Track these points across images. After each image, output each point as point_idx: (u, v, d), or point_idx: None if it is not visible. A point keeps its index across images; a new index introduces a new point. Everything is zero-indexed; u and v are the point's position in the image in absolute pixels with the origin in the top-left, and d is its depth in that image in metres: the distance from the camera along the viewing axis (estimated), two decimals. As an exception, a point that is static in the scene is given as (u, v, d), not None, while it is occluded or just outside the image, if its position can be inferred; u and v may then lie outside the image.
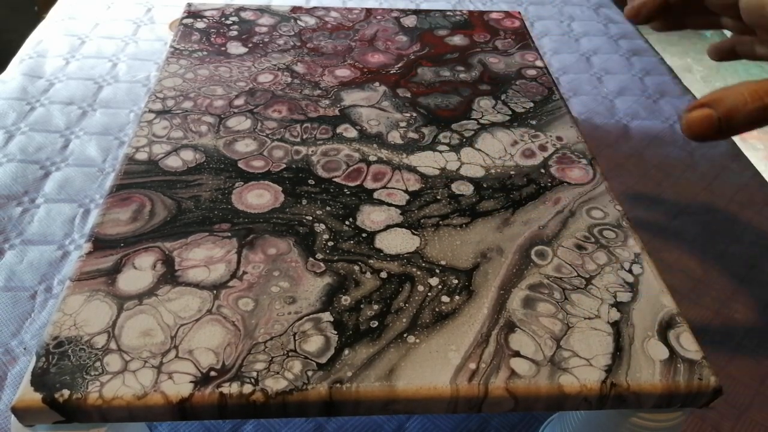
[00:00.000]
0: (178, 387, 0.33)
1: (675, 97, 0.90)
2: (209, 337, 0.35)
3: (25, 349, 0.54)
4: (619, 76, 0.94)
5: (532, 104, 0.56)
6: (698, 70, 2.05)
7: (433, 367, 0.35)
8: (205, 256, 0.40)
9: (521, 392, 0.34)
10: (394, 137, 0.51)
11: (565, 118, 0.54)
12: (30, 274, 0.59)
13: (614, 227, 0.44)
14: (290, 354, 0.35)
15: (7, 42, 1.28)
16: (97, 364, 0.34)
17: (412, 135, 0.51)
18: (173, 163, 0.47)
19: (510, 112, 0.55)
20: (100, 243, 0.40)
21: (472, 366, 0.35)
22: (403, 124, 0.52)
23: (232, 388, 0.33)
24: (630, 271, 0.41)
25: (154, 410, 0.33)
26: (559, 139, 0.52)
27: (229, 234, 0.42)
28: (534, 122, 0.54)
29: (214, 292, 0.38)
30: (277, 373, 0.34)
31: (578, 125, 0.54)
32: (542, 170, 0.49)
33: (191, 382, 0.33)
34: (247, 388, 0.33)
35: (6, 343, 0.54)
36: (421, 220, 0.44)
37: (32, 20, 1.08)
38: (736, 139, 0.87)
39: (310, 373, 0.34)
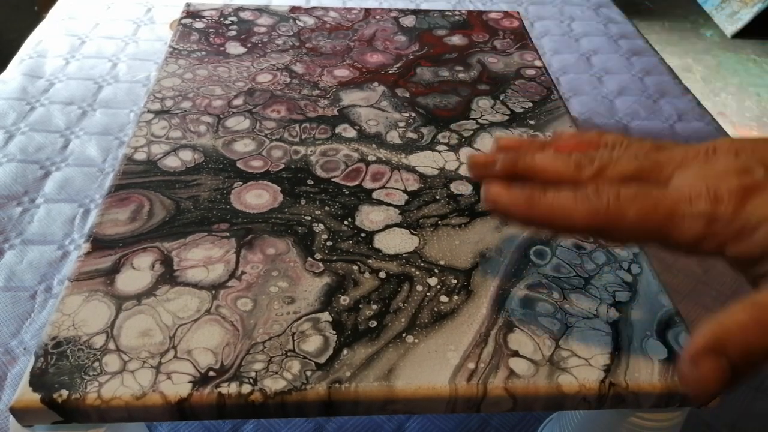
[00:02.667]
0: (177, 387, 0.33)
1: (675, 97, 0.90)
2: (208, 337, 0.35)
3: (24, 349, 0.54)
4: (619, 76, 0.94)
5: (530, 104, 0.56)
6: (698, 69, 2.05)
7: (431, 366, 0.35)
8: (203, 256, 0.40)
9: (520, 392, 0.34)
10: (393, 137, 0.51)
11: (564, 118, 0.54)
12: (30, 274, 0.59)
13: None
14: (289, 354, 0.35)
15: (7, 42, 1.28)
16: (96, 364, 0.34)
17: (410, 135, 0.51)
18: (172, 163, 0.47)
19: (509, 112, 0.55)
20: (98, 243, 0.40)
21: (471, 366, 0.35)
22: (401, 124, 0.52)
23: (230, 388, 0.33)
24: (629, 270, 0.41)
25: (153, 410, 0.33)
26: None
27: (228, 234, 0.42)
28: (533, 122, 0.54)
29: (213, 292, 0.38)
30: (276, 373, 0.34)
31: (577, 125, 0.54)
32: None
33: (190, 382, 0.33)
34: (246, 388, 0.33)
35: (6, 343, 0.54)
36: (420, 220, 0.44)
37: (32, 20, 1.08)
38: (735, 137, 0.87)
39: (308, 373, 0.34)
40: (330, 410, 0.34)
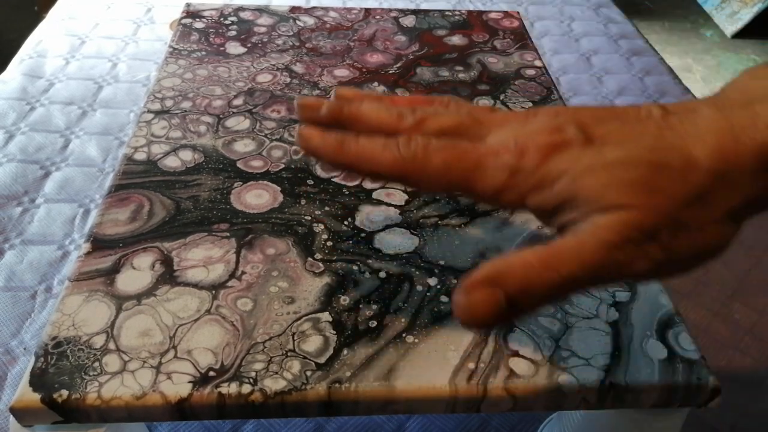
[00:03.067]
0: (177, 387, 0.33)
1: (675, 97, 0.90)
2: (208, 337, 0.35)
3: (25, 349, 0.54)
4: (619, 76, 0.94)
5: (530, 104, 0.56)
6: (698, 69, 2.05)
7: (431, 367, 0.35)
8: (203, 256, 0.40)
9: (520, 392, 0.34)
10: None
11: None
12: (30, 274, 0.59)
13: None
14: (289, 354, 0.35)
15: (7, 42, 1.28)
16: (96, 364, 0.34)
17: None
18: (172, 163, 0.47)
19: None
20: (98, 243, 0.40)
21: (471, 366, 0.35)
22: None
23: (230, 388, 0.33)
24: None
25: (153, 410, 0.33)
26: None
27: (228, 234, 0.42)
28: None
29: (213, 292, 0.38)
30: (276, 373, 0.34)
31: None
32: None
33: (190, 382, 0.33)
34: (246, 388, 0.33)
35: (6, 343, 0.54)
36: (420, 220, 0.44)
37: (32, 20, 1.08)
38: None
39: (308, 373, 0.34)
40: (330, 410, 0.34)
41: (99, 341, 0.35)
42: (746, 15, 2.25)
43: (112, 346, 0.35)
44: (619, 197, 0.28)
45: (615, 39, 1.04)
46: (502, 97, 0.57)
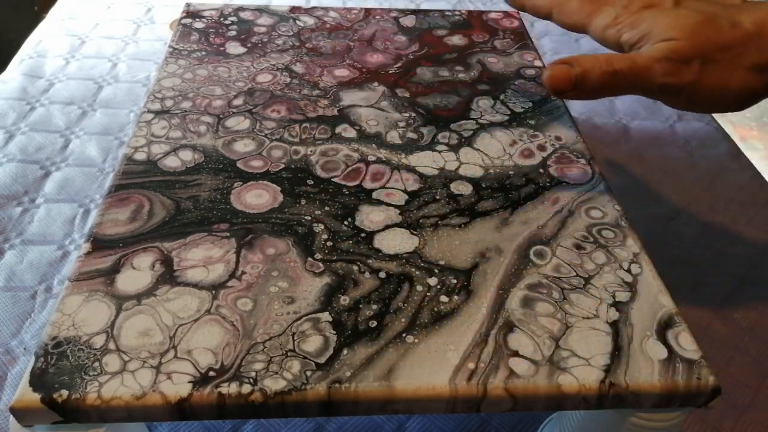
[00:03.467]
0: (177, 387, 0.33)
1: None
2: (208, 337, 0.35)
3: (25, 349, 0.54)
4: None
5: (530, 104, 0.56)
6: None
7: (431, 367, 0.35)
8: (203, 256, 0.40)
9: (520, 392, 0.34)
10: (393, 137, 0.51)
11: (564, 118, 0.54)
12: (30, 274, 0.59)
13: (613, 227, 0.44)
14: (289, 354, 0.35)
15: (7, 42, 1.28)
16: (96, 364, 0.34)
17: (410, 135, 0.51)
18: (172, 163, 0.47)
19: (509, 112, 0.55)
20: (98, 243, 0.40)
21: (471, 366, 0.35)
22: (402, 124, 0.52)
23: (230, 388, 0.33)
24: (629, 270, 0.41)
25: (153, 410, 0.33)
26: (558, 138, 0.52)
27: (228, 234, 0.42)
28: (533, 122, 0.54)
29: (213, 292, 0.38)
30: (276, 373, 0.34)
31: (577, 125, 0.54)
32: (541, 170, 0.49)
33: (190, 382, 0.33)
34: (246, 388, 0.33)
35: (6, 343, 0.54)
36: (420, 220, 0.44)
37: (32, 20, 1.08)
38: (736, 138, 0.87)
39: (308, 373, 0.34)
40: (330, 410, 0.34)
41: (99, 341, 0.35)
42: None
43: (112, 346, 0.35)
44: (673, 33, 0.42)
45: (615, 39, 1.03)
46: (502, 97, 0.57)
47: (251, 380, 0.33)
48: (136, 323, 0.36)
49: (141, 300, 0.37)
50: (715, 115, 0.88)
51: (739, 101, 0.42)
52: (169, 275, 0.39)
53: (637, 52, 0.44)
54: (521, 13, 0.65)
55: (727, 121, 1.79)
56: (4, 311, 0.56)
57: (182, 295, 0.38)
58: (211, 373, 0.34)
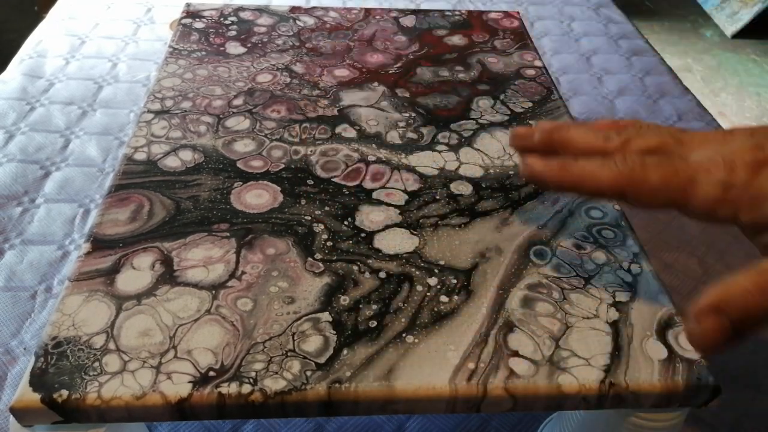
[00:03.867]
0: (177, 387, 0.33)
1: (675, 97, 0.90)
2: (208, 337, 0.35)
3: (25, 349, 0.54)
4: (619, 76, 0.94)
5: (530, 104, 0.56)
6: (698, 70, 2.04)
7: (431, 367, 0.35)
8: (203, 256, 0.40)
9: (520, 392, 0.34)
10: (393, 137, 0.51)
11: (564, 118, 0.54)
12: (30, 274, 0.59)
13: (613, 227, 0.44)
14: (289, 354, 0.35)
15: (7, 42, 1.28)
16: (96, 364, 0.34)
17: (410, 135, 0.51)
18: (172, 163, 0.47)
19: (509, 112, 0.55)
20: (98, 243, 0.40)
21: (471, 366, 0.35)
22: (402, 124, 0.52)
23: (230, 388, 0.33)
24: (629, 270, 0.41)
25: (153, 410, 0.33)
26: None
27: (228, 234, 0.42)
28: (533, 122, 0.54)
29: (213, 292, 0.38)
30: (276, 373, 0.34)
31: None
32: None
33: (190, 382, 0.33)
34: (246, 388, 0.33)
35: (6, 343, 0.54)
36: (420, 220, 0.44)
37: (32, 20, 1.08)
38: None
39: (308, 373, 0.34)
40: (330, 410, 0.34)
41: (99, 341, 0.35)
42: (746, 15, 2.25)
43: (112, 346, 0.35)
44: None
45: (615, 39, 1.04)
46: (502, 97, 0.57)
47: (251, 380, 0.33)
48: (136, 323, 0.36)
49: (141, 300, 0.37)
50: (716, 116, 0.88)
51: None
52: (169, 275, 0.39)
53: None
54: (521, 12, 0.65)
55: (727, 121, 1.79)
56: (4, 311, 0.56)
57: (182, 295, 0.38)
58: (211, 373, 0.34)
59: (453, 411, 0.35)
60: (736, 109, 1.83)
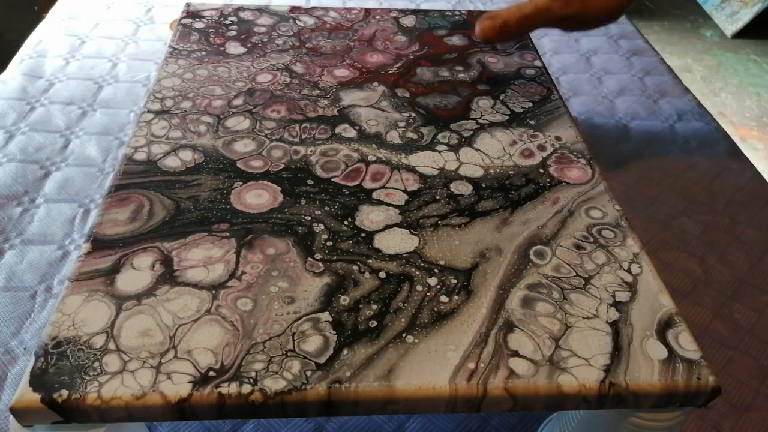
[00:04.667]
0: (177, 387, 0.33)
1: (675, 97, 0.90)
2: (208, 337, 0.35)
3: (25, 349, 0.54)
4: (619, 76, 0.94)
5: (530, 104, 0.56)
6: (698, 69, 2.04)
7: (432, 367, 0.35)
8: (203, 256, 0.40)
9: (520, 392, 0.34)
10: (393, 137, 0.51)
11: (564, 118, 0.54)
12: (30, 274, 0.59)
13: (613, 227, 0.44)
14: (289, 354, 0.35)
15: (7, 42, 1.28)
16: (96, 364, 0.34)
17: (410, 135, 0.51)
18: (172, 163, 0.47)
19: (509, 112, 0.55)
20: (98, 243, 0.40)
21: (471, 366, 0.35)
22: (402, 124, 0.52)
23: (230, 388, 0.33)
24: (629, 270, 0.41)
25: (153, 410, 0.33)
26: (558, 138, 0.52)
27: (228, 234, 0.42)
28: (533, 122, 0.54)
29: (213, 292, 0.38)
30: (276, 373, 0.34)
31: (577, 125, 0.54)
32: (541, 170, 0.49)
33: (190, 382, 0.33)
34: (246, 388, 0.33)
35: (6, 343, 0.54)
36: (420, 220, 0.44)
37: (32, 20, 1.08)
38: (735, 138, 0.87)
39: (309, 373, 0.34)
40: (330, 410, 0.34)
41: (99, 341, 0.35)
42: (746, 15, 2.24)
43: (112, 346, 0.35)
44: None
45: (615, 39, 1.04)
46: (501, 97, 0.57)
47: (251, 380, 0.33)
48: (136, 323, 0.36)
49: (141, 300, 0.37)
50: (715, 116, 0.88)
51: (611, 15, 0.59)
52: (169, 275, 0.39)
53: None
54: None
55: (727, 121, 1.79)
56: (4, 311, 0.56)
57: (182, 295, 0.38)
58: (211, 373, 0.34)
59: (453, 411, 0.35)
60: (736, 109, 1.83)
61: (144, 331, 0.35)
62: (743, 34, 2.26)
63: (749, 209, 0.72)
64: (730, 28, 2.29)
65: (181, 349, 0.35)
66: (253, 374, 0.34)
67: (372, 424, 0.50)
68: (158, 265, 0.39)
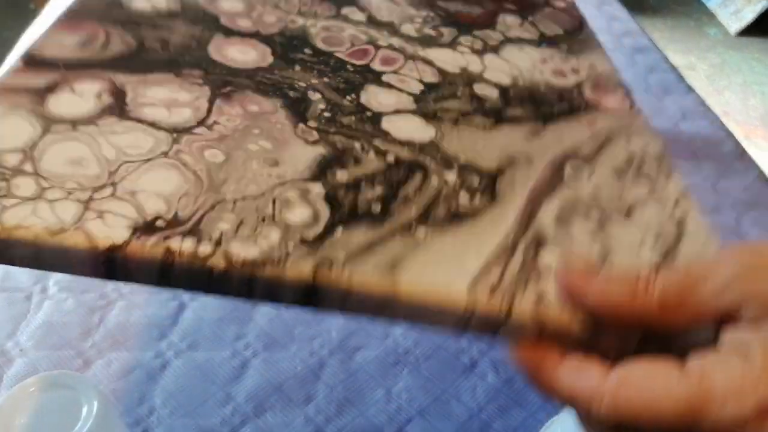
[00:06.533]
0: (110, 230, 0.24)
1: (679, 95, 0.85)
2: (160, 182, 0.27)
3: (21, 350, 0.50)
4: (623, 74, 0.89)
5: (561, 31, 0.49)
6: (702, 68, 2.01)
7: (446, 269, 0.27)
8: (167, 97, 0.31)
9: (551, 321, 0.26)
10: (408, 30, 0.43)
11: (599, 51, 0.47)
12: (25, 275, 0.56)
13: (656, 160, 0.37)
14: (266, 220, 0.26)
15: (2, 40, 1.22)
16: (3, 183, 0.24)
17: (428, 31, 0.43)
18: (140, 4, 0.38)
19: (538, 33, 0.47)
20: (34, 61, 0.31)
21: (494, 278, 0.27)
22: (418, 19, 0.45)
23: (184, 244, 0.24)
24: (675, 207, 0.34)
25: (71, 256, 0.24)
26: (593, 67, 0.45)
27: (201, 81, 0.33)
28: (565, 46, 0.46)
29: (174, 135, 0.29)
30: (248, 237, 0.25)
31: (611, 60, 0.47)
32: (576, 92, 0.41)
33: (129, 227, 0.24)
34: (205, 249, 0.24)
35: (1, 344, 0.51)
36: (438, 113, 0.36)
37: (28, 17, 1.01)
38: (740, 138, 0.83)
39: (290, 246, 0.25)
40: (311, 298, 0.26)
41: (12, 159, 0.26)
42: (750, 13, 2.23)
43: (28, 168, 0.26)
44: None
45: (618, 37, 0.99)
46: (530, 18, 0.49)
47: (213, 241, 0.25)
48: (66, 149, 0.27)
49: (77, 126, 0.28)
50: (720, 114, 0.84)
51: None
52: (119, 109, 0.30)
53: None
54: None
55: (731, 119, 1.75)
56: (0, 312, 0.53)
57: (133, 130, 0.29)
58: (160, 222, 0.25)
59: (464, 329, 0.27)
60: (740, 108, 1.79)
61: (75, 159, 0.27)
62: (747, 32, 2.25)
63: (754, 209, 0.66)
64: (734, 26, 2.28)
65: (123, 188, 0.26)
66: (216, 234, 0.25)
67: (372, 426, 0.45)
68: (106, 96, 0.30)
